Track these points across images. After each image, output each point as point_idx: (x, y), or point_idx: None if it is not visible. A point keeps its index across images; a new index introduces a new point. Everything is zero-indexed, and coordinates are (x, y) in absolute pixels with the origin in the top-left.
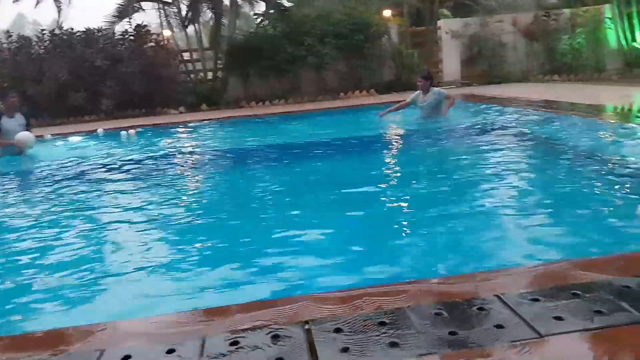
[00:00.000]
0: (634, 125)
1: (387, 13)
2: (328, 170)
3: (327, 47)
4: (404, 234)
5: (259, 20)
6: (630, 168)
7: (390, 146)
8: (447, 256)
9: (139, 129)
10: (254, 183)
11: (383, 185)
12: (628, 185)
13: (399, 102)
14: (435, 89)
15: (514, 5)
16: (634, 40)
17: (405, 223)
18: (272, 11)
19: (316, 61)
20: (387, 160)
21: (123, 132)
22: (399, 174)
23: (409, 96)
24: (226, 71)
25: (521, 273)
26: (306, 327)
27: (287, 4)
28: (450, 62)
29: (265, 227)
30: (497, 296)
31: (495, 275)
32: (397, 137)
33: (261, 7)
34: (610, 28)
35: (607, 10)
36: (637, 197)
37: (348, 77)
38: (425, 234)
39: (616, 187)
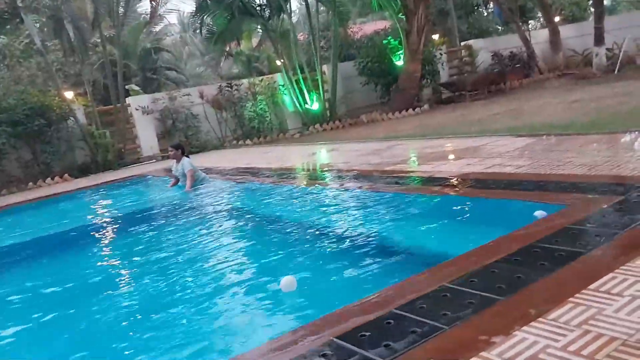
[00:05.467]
0: (317, 185)
1: (69, 95)
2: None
3: (2, 137)
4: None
5: None
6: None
7: (87, 236)
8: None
9: None
10: None
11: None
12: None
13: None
14: (186, 160)
15: (200, 78)
16: (305, 102)
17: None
18: None
19: None
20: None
21: None
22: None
23: None
24: None
25: None
26: None
27: None
28: (147, 137)
29: None
30: None
31: None
32: (97, 225)
33: None
34: (284, 94)
35: (280, 78)
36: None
37: (34, 164)
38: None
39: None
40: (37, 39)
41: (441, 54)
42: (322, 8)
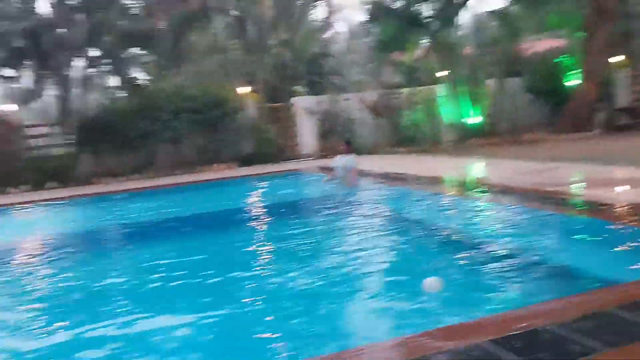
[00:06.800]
0: (467, 197)
1: (244, 90)
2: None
3: (183, 122)
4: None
5: (112, 94)
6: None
7: (253, 221)
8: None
9: None
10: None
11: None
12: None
13: None
14: (353, 156)
15: (361, 85)
16: (464, 115)
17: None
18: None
19: (172, 135)
20: (252, 235)
21: None
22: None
23: None
24: (78, 146)
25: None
26: None
27: (145, 78)
28: (307, 136)
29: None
30: None
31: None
32: (260, 210)
33: (115, 81)
34: (442, 105)
35: (439, 90)
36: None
37: (206, 150)
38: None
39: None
40: (221, 37)
41: (623, 78)
42: (492, 22)
